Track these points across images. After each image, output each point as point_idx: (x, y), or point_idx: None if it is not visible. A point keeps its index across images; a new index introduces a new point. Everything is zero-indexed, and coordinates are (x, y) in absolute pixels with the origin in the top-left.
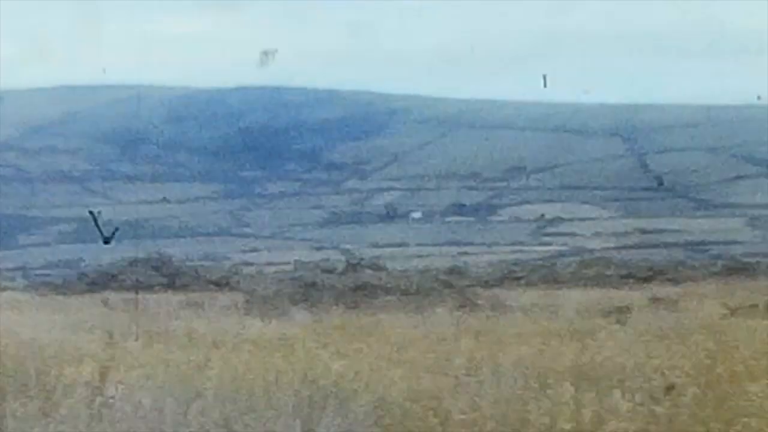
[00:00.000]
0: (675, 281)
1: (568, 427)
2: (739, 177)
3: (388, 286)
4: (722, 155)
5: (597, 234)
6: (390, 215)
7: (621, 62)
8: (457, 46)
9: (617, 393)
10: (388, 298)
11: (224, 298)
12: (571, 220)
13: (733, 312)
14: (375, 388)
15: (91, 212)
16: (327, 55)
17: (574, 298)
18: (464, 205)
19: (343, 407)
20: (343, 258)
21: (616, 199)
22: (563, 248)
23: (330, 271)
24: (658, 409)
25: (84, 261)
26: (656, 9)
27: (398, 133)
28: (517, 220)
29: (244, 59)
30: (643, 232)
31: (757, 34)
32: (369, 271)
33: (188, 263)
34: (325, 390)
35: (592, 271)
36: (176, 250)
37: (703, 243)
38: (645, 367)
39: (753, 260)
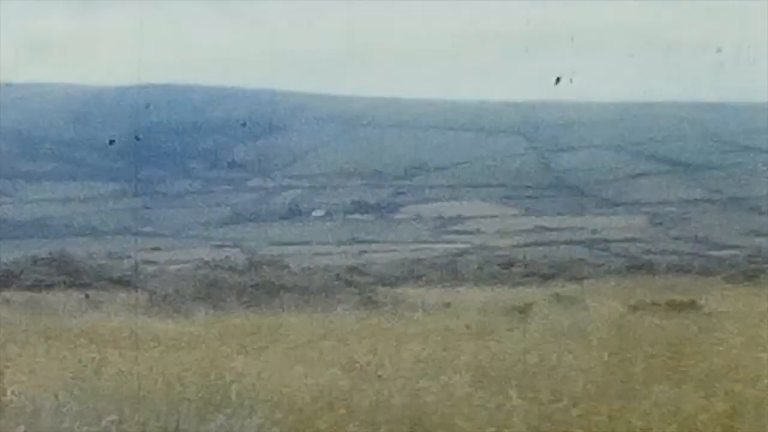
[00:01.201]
0: (577, 279)
1: (466, 425)
2: (641, 175)
3: (290, 284)
4: (624, 153)
5: (499, 232)
6: (292, 213)
7: (525, 60)
8: (359, 44)
9: (515, 391)
10: (290, 296)
11: (126, 296)
12: (473, 218)
13: (635, 309)
14: (276, 387)
15: None
16: (230, 54)
17: (475, 296)
18: (366, 204)
19: (244, 406)
20: (245, 256)
21: (519, 197)
22: (465, 246)
23: (232, 270)
24: (558, 408)
25: None
26: (560, 7)
27: (300, 131)
28: (419, 218)
29: (147, 57)
30: (545, 230)
31: (656, 31)
32: (271, 270)
33: (90, 262)
34: (226, 389)
35: (494, 269)
36: (78, 249)
37: (605, 241)
38: (545, 365)
39: (654, 258)
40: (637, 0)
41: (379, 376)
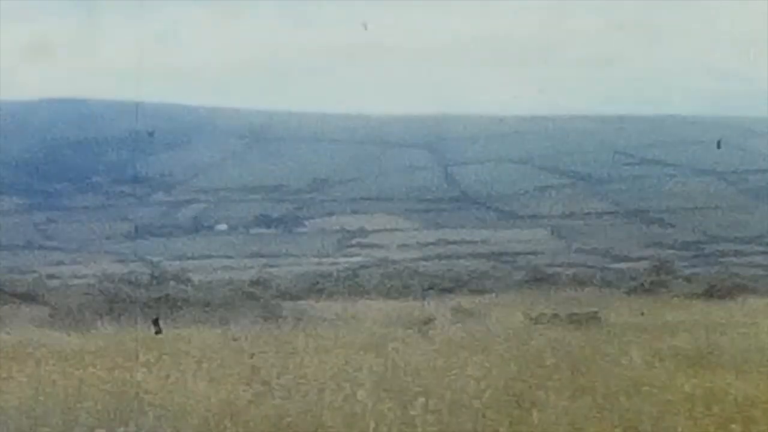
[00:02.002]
0: (479, 292)
1: None
2: (543, 187)
3: (193, 298)
4: (527, 166)
5: (402, 245)
6: (196, 228)
7: (428, 74)
8: (261, 58)
9: (418, 403)
10: (193, 310)
11: (29, 311)
12: (376, 231)
13: (536, 322)
14: (180, 399)
15: None
16: (133, 68)
17: (377, 309)
18: (270, 218)
19: (146, 418)
20: (148, 271)
21: (422, 211)
22: (367, 260)
23: (135, 284)
24: (458, 419)
25: None
26: (461, 21)
27: (204, 145)
28: (322, 231)
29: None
30: (448, 243)
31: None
32: (174, 284)
33: None
34: (129, 402)
35: (396, 282)
36: None
37: (507, 254)
38: (446, 377)
39: (557, 270)
40: (538, 13)
41: (282, 389)
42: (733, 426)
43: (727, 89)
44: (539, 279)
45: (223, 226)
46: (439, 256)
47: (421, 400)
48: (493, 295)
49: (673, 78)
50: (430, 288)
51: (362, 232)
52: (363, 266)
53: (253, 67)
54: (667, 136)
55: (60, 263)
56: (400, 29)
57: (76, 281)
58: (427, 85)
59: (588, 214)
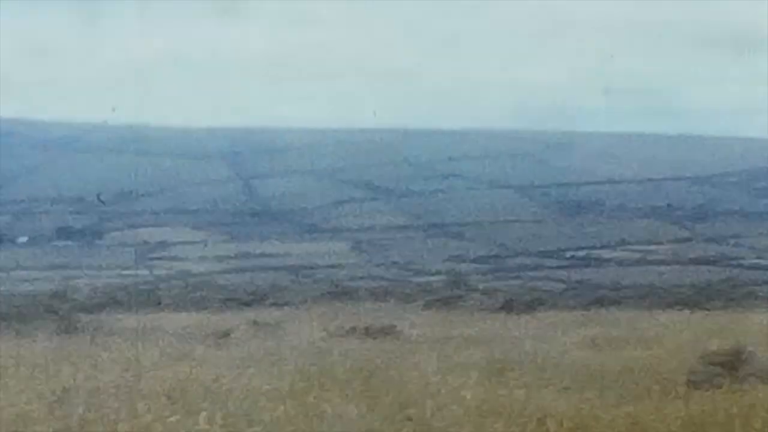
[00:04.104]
0: (278, 305)
1: None
2: (344, 201)
3: None
4: (327, 179)
5: (202, 258)
6: None
7: (230, 87)
8: (66, 69)
9: (207, 417)
10: None
11: None
12: (177, 244)
13: (333, 335)
14: None
15: None
16: None
17: (176, 321)
18: (72, 230)
19: None
20: None
21: (223, 224)
22: (168, 272)
23: None
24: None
25: None
26: (262, 36)
27: (6, 157)
28: (124, 244)
29: None
30: (248, 256)
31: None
32: None
33: None
34: None
35: (196, 294)
36: None
37: (307, 267)
38: (240, 391)
39: (356, 284)
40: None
41: (78, 403)
42: None
43: (526, 103)
44: (339, 292)
45: (23, 239)
46: (239, 269)
47: (212, 413)
48: (293, 308)
49: (473, 92)
50: (229, 300)
51: (164, 244)
52: (163, 279)
53: (59, 79)
54: (466, 150)
55: None
56: (205, 43)
57: None
58: (229, 97)
59: (388, 228)
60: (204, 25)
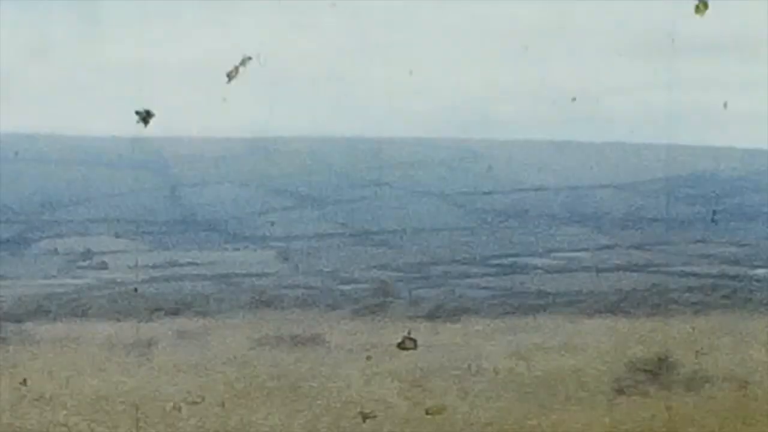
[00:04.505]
0: (203, 314)
1: None
2: (269, 209)
3: None
4: (252, 188)
5: (127, 267)
6: None
7: (153, 94)
8: None
9: (127, 425)
10: None
11: None
12: (102, 253)
13: (259, 344)
14: None
15: None
16: None
17: (101, 331)
18: None
19: None
20: None
21: (148, 232)
22: (93, 282)
23: None
24: None
25: None
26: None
27: None
28: (50, 253)
29: None
30: (174, 265)
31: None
32: None
33: None
34: None
35: (121, 304)
36: None
37: (233, 276)
38: (163, 400)
39: (283, 292)
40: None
41: (1, 411)
42: None
43: (452, 110)
44: (265, 301)
45: None
46: (165, 278)
47: (132, 421)
48: (218, 317)
49: (398, 99)
50: (155, 310)
51: (89, 253)
52: (88, 288)
53: None
54: (392, 158)
55: None
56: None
57: None
58: (153, 105)
59: (314, 236)
60: (134, 29)
